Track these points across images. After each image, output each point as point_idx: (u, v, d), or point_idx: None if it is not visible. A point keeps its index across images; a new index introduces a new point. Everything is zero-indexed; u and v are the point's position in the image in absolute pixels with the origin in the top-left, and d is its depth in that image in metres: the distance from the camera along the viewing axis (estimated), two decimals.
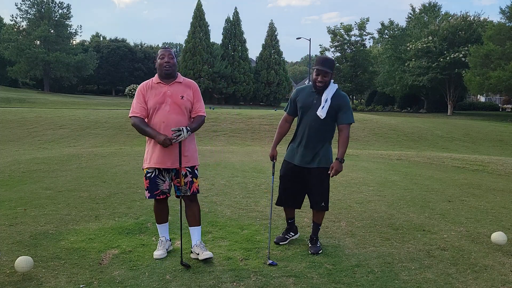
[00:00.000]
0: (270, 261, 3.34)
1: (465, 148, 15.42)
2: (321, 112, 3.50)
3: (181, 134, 3.23)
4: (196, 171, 3.50)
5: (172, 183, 3.51)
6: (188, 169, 3.45)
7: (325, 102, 3.51)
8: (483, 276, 3.20)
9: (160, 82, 3.41)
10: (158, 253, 3.45)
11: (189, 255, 3.51)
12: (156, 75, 3.46)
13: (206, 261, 3.35)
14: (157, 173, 3.41)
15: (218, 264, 3.33)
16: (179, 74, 3.50)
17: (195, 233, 3.51)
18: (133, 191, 5.81)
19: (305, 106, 3.60)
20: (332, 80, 3.62)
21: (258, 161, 9.09)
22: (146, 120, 3.40)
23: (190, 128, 3.31)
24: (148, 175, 3.41)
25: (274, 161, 3.81)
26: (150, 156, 3.41)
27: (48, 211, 4.74)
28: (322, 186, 3.65)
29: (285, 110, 3.83)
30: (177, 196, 3.52)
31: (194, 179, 3.48)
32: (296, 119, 3.81)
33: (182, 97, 3.38)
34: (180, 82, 3.45)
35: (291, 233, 3.71)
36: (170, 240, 3.69)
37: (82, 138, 14.55)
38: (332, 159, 3.68)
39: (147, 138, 3.45)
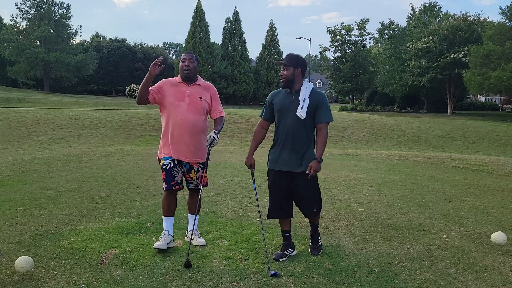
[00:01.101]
0: (272, 272, 3.17)
1: (465, 148, 15.42)
2: (301, 112, 3.36)
3: (214, 141, 3.49)
4: (206, 166, 3.74)
5: (184, 177, 3.74)
6: (200, 165, 3.72)
7: (303, 101, 3.37)
8: (483, 276, 3.20)
9: (182, 82, 3.68)
10: (159, 243, 3.53)
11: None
12: (179, 75, 3.72)
13: (205, 258, 3.41)
14: (172, 165, 3.62)
15: (218, 264, 3.33)
16: (199, 77, 3.78)
17: (192, 220, 3.81)
18: (133, 191, 5.81)
19: (282, 108, 3.45)
20: (307, 79, 3.52)
21: (258, 161, 9.07)
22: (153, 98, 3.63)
23: (217, 131, 3.58)
24: (164, 167, 3.63)
25: (253, 169, 3.62)
26: (165, 147, 3.63)
27: (48, 211, 4.74)
28: (311, 189, 3.49)
29: (260, 116, 3.67)
30: (189, 189, 3.82)
31: (205, 174, 3.75)
32: (273, 124, 3.65)
33: (200, 98, 3.66)
34: (200, 85, 3.73)
35: (289, 249, 3.53)
36: (173, 236, 3.74)
37: (82, 138, 14.55)
38: None
39: (162, 131, 3.69)
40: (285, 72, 3.43)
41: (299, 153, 3.43)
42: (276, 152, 3.51)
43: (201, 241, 3.76)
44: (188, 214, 3.91)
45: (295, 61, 3.44)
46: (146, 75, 3.46)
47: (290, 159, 3.44)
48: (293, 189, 3.49)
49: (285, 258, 3.46)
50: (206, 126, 3.74)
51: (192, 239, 3.73)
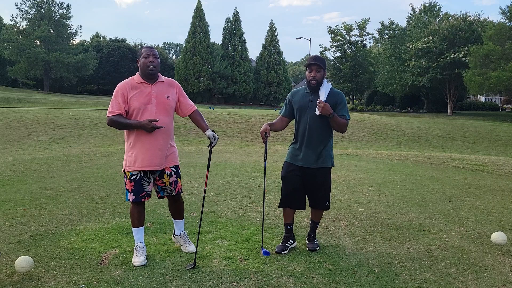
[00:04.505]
0: (264, 250, 3.34)
1: (465, 148, 15.41)
2: (317, 112, 3.50)
3: (216, 140, 3.35)
4: (179, 170, 3.53)
5: (156, 183, 3.46)
6: (172, 168, 3.45)
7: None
8: (483, 276, 3.20)
9: (144, 82, 3.31)
10: (140, 259, 3.26)
11: (174, 242, 3.75)
12: (137, 74, 3.37)
13: (205, 258, 3.41)
14: (142, 175, 3.34)
15: (218, 264, 3.33)
16: (160, 73, 3.43)
17: (178, 225, 3.66)
18: None
19: (301, 107, 3.61)
20: (326, 80, 3.66)
21: (258, 161, 9.08)
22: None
23: (208, 127, 3.41)
24: (133, 177, 3.31)
25: (268, 135, 3.59)
26: (136, 158, 3.30)
27: (48, 211, 4.73)
28: (326, 185, 3.68)
29: (280, 114, 3.80)
30: (160, 197, 3.52)
31: (178, 179, 3.50)
32: (293, 121, 3.80)
33: (167, 97, 3.35)
34: (163, 82, 3.40)
35: (290, 241, 3.64)
36: (144, 245, 3.47)
37: (82, 138, 14.54)
38: (333, 159, 3.72)
39: (127, 141, 3.36)
40: (318, 74, 3.54)
41: (316, 150, 3.59)
42: (295, 148, 3.67)
43: (191, 248, 3.53)
44: (173, 220, 3.68)
45: (324, 64, 3.61)
46: (136, 124, 3.19)
47: (307, 156, 3.59)
48: (306, 183, 3.62)
49: (287, 251, 3.52)
50: (173, 127, 3.47)
51: (182, 245, 3.61)
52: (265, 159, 3.90)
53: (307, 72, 3.60)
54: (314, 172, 3.60)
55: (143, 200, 3.36)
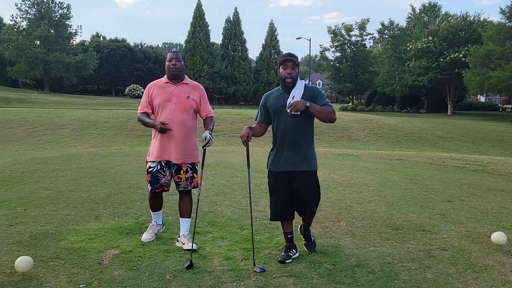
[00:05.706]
0: (259, 267, 3.21)
1: (465, 148, 15.42)
2: (292, 112, 3.30)
3: (209, 141, 3.49)
4: (196, 167, 3.75)
5: (172, 178, 3.73)
6: (189, 165, 3.68)
7: (292, 98, 3.35)
8: (483, 276, 3.20)
9: (168, 82, 3.70)
10: (147, 236, 3.75)
11: (175, 243, 3.78)
12: (165, 75, 3.75)
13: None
14: (158, 168, 3.64)
15: (218, 264, 3.33)
16: (186, 76, 3.79)
17: (184, 224, 3.78)
18: (133, 191, 5.81)
19: (278, 109, 3.42)
20: (298, 78, 3.48)
21: (258, 161, 9.08)
22: (151, 115, 3.76)
23: (210, 131, 3.60)
24: (150, 169, 3.66)
25: (249, 139, 3.36)
26: (153, 149, 3.67)
27: (48, 211, 4.74)
28: (313, 190, 3.48)
29: (256, 120, 3.58)
30: (179, 191, 3.81)
31: (195, 175, 3.74)
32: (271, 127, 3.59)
33: (188, 97, 3.66)
34: (187, 84, 3.73)
35: (293, 250, 3.52)
36: (162, 225, 3.99)
37: (82, 138, 14.55)
38: (317, 161, 3.54)
39: (152, 134, 3.73)
40: (293, 72, 3.40)
41: (299, 152, 3.40)
42: (277, 153, 3.46)
43: (191, 245, 3.54)
44: (180, 218, 3.80)
45: (298, 61, 3.48)
46: (152, 123, 3.59)
47: (292, 158, 3.40)
48: (293, 188, 3.43)
49: (290, 260, 3.44)
50: (195, 125, 3.75)
51: (183, 244, 3.66)
52: (248, 166, 3.57)
53: (281, 70, 3.40)
54: (300, 176, 3.40)
55: (157, 191, 3.71)
